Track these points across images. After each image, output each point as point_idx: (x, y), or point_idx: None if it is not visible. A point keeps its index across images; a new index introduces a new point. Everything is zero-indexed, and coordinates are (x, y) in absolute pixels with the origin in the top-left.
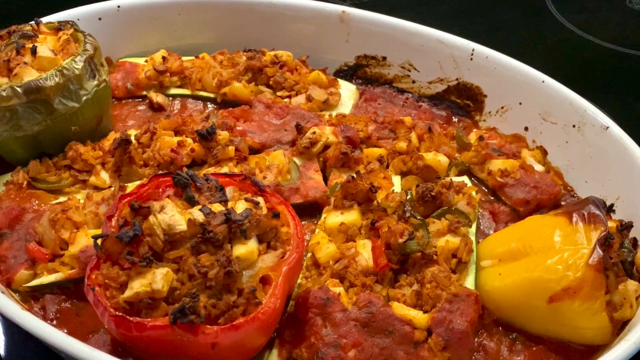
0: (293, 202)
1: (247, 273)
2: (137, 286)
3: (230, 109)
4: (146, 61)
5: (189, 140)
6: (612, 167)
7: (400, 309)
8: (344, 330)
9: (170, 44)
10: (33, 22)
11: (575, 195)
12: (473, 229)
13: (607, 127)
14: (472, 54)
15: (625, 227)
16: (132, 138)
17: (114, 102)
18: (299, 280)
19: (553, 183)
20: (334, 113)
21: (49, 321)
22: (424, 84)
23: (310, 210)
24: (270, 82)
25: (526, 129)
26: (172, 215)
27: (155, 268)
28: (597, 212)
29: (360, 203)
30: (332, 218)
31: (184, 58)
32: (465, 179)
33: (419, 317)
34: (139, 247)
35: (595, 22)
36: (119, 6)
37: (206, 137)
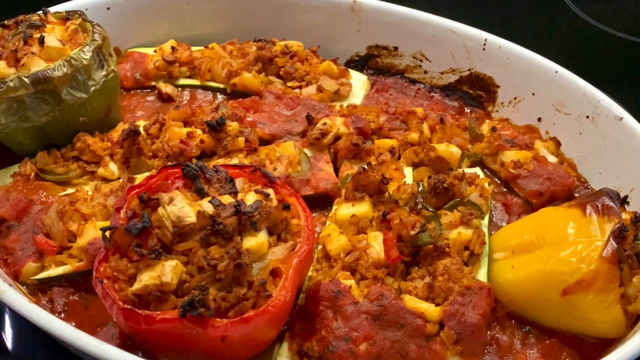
0: (303, 193)
1: (257, 265)
2: (146, 279)
3: (240, 99)
4: (155, 51)
5: (199, 131)
6: (626, 158)
7: (412, 302)
8: (355, 324)
9: (180, 34)
10: (41, 12)
11: (588, 186)
12: (485, 221)
13: (621, 118)
14: (484, 44)
15: (639, 219)
16: (141, 129)
17: (122, 92)
18: (309, 273)
19: (566, 174)
20: (345, 104)
21: (56, 314)
22: (436, 75)
23: (321, 202)
24: (281, 73)
25: (539, 119)
26: (181, 207)
27: (164, 260)
28: (611, 203)
29: (371, 195)
30: (343, 210)
31: (194, 48)
32: (477, 170)
33: (430, 310)
34: (148, 240)
35: (609, 12)
36: None
37: (216, 128)
